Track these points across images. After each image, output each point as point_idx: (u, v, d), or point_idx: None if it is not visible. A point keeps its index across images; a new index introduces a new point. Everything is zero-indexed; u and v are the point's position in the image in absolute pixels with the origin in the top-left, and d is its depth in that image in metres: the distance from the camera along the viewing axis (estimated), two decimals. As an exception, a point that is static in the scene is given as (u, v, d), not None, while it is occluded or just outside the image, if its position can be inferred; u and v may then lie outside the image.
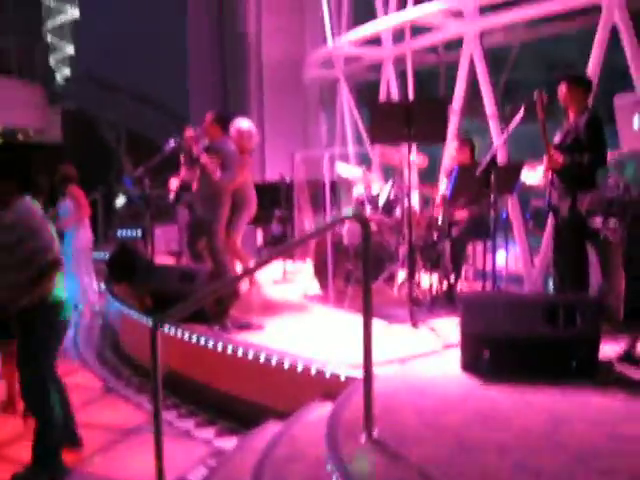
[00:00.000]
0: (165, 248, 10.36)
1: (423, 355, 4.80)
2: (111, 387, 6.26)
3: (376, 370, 4.18)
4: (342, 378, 4.47)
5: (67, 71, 16.44)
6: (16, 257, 4.13)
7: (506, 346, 4.08)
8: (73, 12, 15.53)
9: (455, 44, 9.22)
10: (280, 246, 3.87)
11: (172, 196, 8.92)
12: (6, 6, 15.39)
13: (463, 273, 7.16)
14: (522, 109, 5.21)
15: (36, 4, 15.74)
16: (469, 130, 11.54)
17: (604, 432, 3.23)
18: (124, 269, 7.62)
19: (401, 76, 10.11)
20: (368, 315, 3.24)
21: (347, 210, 7.08)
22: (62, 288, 4.35)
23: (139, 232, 8.74)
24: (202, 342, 5.56)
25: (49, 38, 15.58)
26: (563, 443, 3.11)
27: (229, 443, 4.74)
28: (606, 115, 4.86)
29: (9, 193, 4.17)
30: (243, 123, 6.94)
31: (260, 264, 3.71)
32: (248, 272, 4.21)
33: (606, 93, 8.02)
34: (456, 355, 4.36)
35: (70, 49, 16.03)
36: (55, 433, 4.30)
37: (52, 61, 16.06)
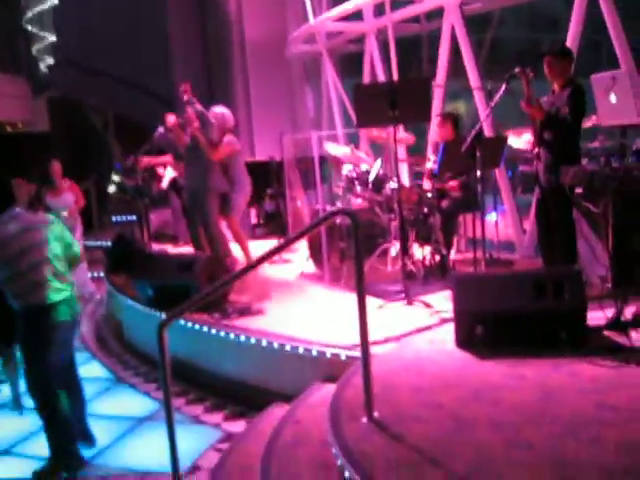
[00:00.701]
0: (159, 232, 10.53)
1: (419, 331, 4.96)
2: (119, 377, 6.42)
3: (374, 349, 4.37)
4: (343, 357, 4.64)
5: (50, 59, 16.38)
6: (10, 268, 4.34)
7: (498, 321, 4.24)
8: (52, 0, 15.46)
9: (437, 12, 9.25)
10: (280, 242, 4.06)
11: (166, 183, 9.14)
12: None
13: (455, 244, 7.36)
14: (504, 85, 5.30)
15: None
16: (456, 92, 11.59)
17: (593, 401, 3.39)
18: (122, 260, 7.75)
19: (384, 46, 10.15)
20: (362, 302, 3.35)
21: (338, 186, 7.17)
22: (64, 288, 4.49)
23: (134, 217, 8.75)
24: (205, 330, 5.70)
25: (29, 28, 15.50)
26: (554, 415, 3.27)
27: (237, 427, 4.92)
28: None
29: None
30: (216, 108, 7.41)
31: (264, 258, 3.77)
32: (252, 266, 4.35)
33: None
34: (451, 330, 4.49)
35: (51, 37, 15.94)
36: (63, 429, 4.46)
37: (34, 51, 16.02)
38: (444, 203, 6.81)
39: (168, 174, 9.28)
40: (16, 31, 15.82)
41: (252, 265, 4.28)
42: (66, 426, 4.48)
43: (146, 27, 15.29)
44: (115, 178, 10.13)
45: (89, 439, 4.82)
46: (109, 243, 8.75)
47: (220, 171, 7.22)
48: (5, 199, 4.45)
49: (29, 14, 15.41)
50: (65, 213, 8.36)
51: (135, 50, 15.47)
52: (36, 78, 16.29)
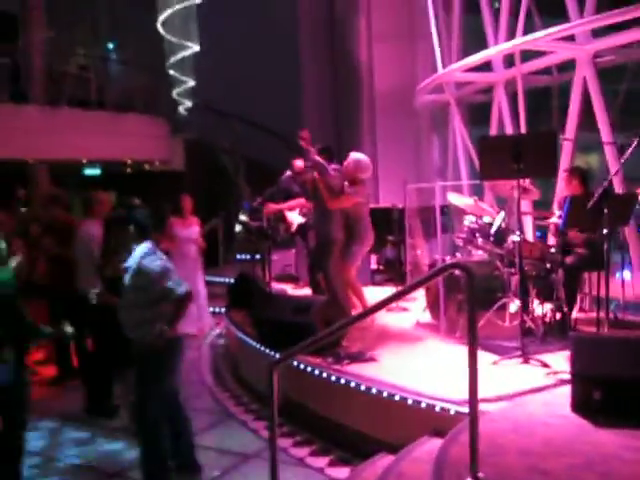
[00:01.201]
0: (281, 272, 10.79)
1: (533, 392, 4.81)
2: (231, 412, 6.56)
3: (485, 407, 4.34)
4: (452, 412, 4.57)
5: (188, 103, 17.28)
6: (147, 297, 4.54)
7: (618, 387, 4.04)
8: (193, 46, 16.35)
9: (569, 63, 9.09)
10: (397, 290, 4.10)
11: (295, 227, 9.37)
12: (130, 46, 16.53)
13: (578, 302, 7.06)
14: (635, 140, 5.13)
15: (158, 42, 16.73)
16: (589, 144, 11.23)
17: None
18: (243, 297, 7.95)
19: (513, 96, 10.04)
20: (474, 356, 3.29)
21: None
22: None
23: (257, 257, 9.04)
24: (316, 373, 5.75)
25: (171, 72, 16.47)
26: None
27: (341, 473, 4.91)
28: None
29: (127, 240, 4.70)
30: (359, 155, 7.26)
31: (380, 305, 3.83)
32: (368, 312, 4.43)
33: None
34: (567, 393, 4.32)
35: (191, 82, 16.84)
36: (160, 456, 4.63)
37: (174, 94, 16.97)
38: (568, 259, 6.58)
39: (296, 219, 9.38)
40: (159, 75, 16.82)
41: (369, 311, 4.31)
42: (163, 454, 4.65)
43: (281, 74, 15.95)
44: (242, 217, 10.48)
45: (195, 469, 4.94)
46: (232, 280, 9.03)
47: (340, 221, 7.19)
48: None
49: (172, 59, 16.38)
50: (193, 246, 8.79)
51: (269, 96, 16.16)
52: (174, 120, 17.19)
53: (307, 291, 8.68)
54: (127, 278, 4.64)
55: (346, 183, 7.11)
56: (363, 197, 7.17)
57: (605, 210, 5.37)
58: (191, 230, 9.00)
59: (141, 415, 4.64)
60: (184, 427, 4.93)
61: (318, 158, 7.06)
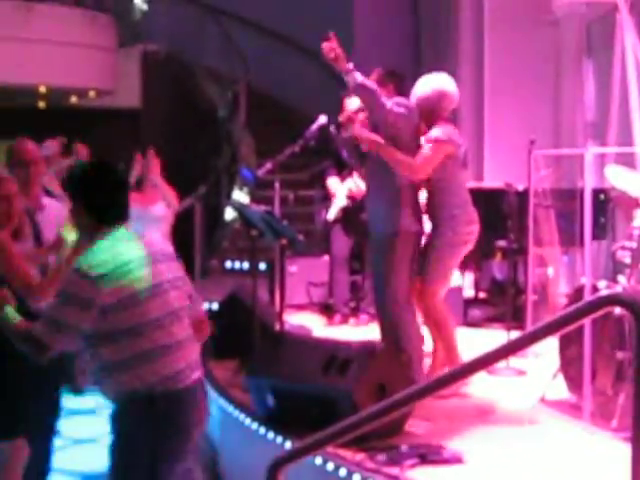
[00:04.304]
0: (305, 296, 10.02)
1: None
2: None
3: None
4: None
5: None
6: None
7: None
8: None
9: None
10: (510, 339, 3.89)
11: (334, 214, 8.88)
12: None
13: None
14: None
15: None
16: None
17: None
18: (232, 339, 7.34)
19: None
20: None
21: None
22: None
23: (261, 267, 8.38)
24: (356, 480, 5.34)
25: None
26: None
27: None
28: None
29: (83, 223, 4.18)
30: (437, 77, 6.76)
31: (479, 363, 3.18)
32: (455, 376, 3.55)
33: None
34: None
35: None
36: None
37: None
38: None
39: (340, 197, 8.66)
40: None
41: (456, 374, 3.59)
42: None
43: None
44: (239, 196, 9.10)
45: None
46: (214, 307, 8.37)
47: (415, 200, 6.52)
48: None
49: None
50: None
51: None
52: (127, 20, 15.12)
53: (347, 329, 8.63)
54: None
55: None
56: (456, 139, 6.53)
57: None
58: (156, 208, 8.25)
59: None
60: None
61: (362, 80, 6.15)
